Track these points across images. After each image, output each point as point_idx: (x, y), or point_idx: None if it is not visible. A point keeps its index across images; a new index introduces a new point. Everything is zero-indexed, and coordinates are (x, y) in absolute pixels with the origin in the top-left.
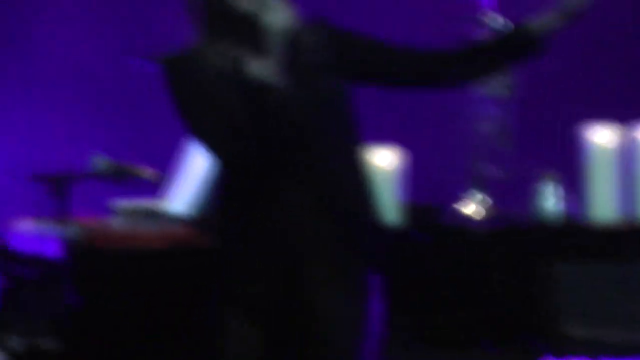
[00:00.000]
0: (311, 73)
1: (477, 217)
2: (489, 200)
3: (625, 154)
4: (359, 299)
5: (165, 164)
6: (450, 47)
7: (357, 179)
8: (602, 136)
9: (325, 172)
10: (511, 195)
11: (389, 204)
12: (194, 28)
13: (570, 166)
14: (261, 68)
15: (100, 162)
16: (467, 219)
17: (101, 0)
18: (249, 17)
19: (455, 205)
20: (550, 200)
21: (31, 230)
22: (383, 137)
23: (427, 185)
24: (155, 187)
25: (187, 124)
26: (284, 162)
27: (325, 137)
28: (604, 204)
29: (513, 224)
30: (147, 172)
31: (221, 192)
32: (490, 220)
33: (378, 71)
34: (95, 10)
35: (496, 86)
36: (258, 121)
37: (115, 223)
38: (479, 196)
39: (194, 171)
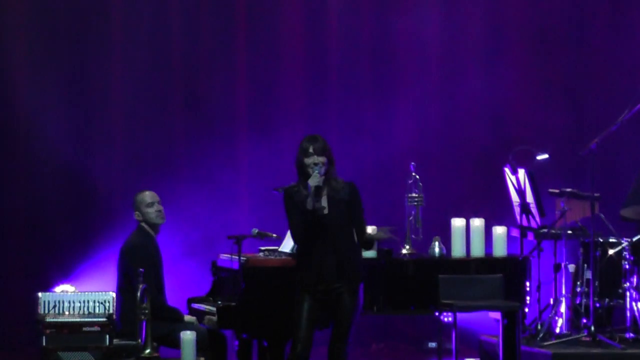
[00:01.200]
0: (338, 203)
1: (407, 254)
2: (413, 248)
3: None
4: (356, 296)
5: (282, 234)
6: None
7: (354, 247)
8: None
9: (337, 244)
10: (421, 247)
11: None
12: (298, 176)
13: None
14: (318, 201)
15: (255, 230)
16: (403, 255)
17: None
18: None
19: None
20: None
21: (227, 257)
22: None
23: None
24: (279, 242)
25: (289, 221)
26: (322, 240)
27: (339, 229)
28: None
29: (422, 259)
30: (274, 235)
31: (298, 248)
32: (412, 256)
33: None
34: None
35: None
36: (313, 223)
37: (260, 256)
38: (408, 246)
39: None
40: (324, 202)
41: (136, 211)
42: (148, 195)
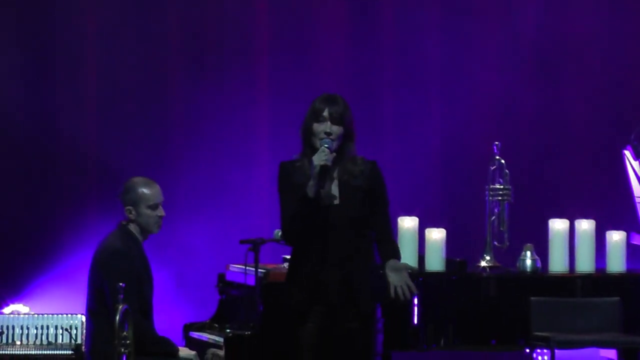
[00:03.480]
0: (353, 192)
1: (487, 268)
2: (496, 260)
3: None
4: (371, 327)
5: None
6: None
7: (368, 256)
8: None
9: (345, 249)
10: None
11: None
12: (303, 147)
13: None
14: (324, 186)
15: (279, 232)
16: (482, 268)
17: None
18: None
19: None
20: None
21: (239, 269)
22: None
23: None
24: None
25: (281, 209)
26: (324, 242)
27: (350, 229)
28: None
29: (507, 274)
30: None
31: (291, 252)
32: (494, 270)
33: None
34: None
35: None
36: (314, 216)
37: (285, 267)
38: (489, 257)
39: None
40: (334, 189)
41: (130, 206)
42: (155, 193)
